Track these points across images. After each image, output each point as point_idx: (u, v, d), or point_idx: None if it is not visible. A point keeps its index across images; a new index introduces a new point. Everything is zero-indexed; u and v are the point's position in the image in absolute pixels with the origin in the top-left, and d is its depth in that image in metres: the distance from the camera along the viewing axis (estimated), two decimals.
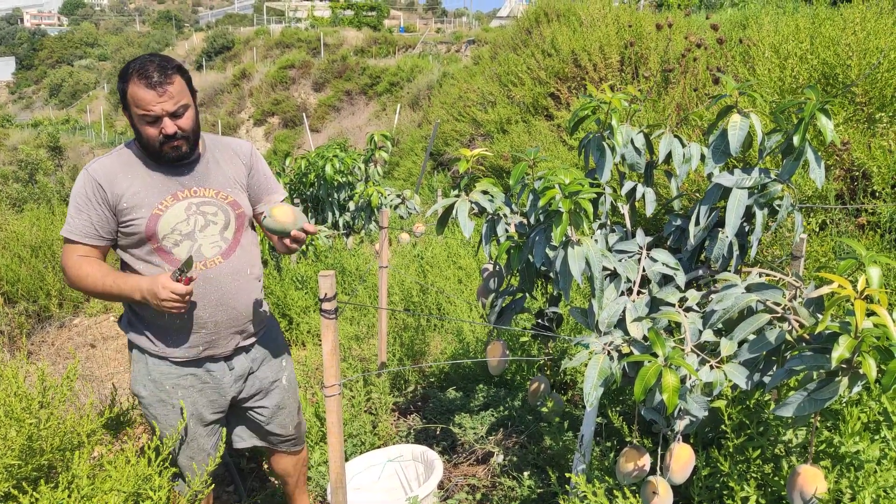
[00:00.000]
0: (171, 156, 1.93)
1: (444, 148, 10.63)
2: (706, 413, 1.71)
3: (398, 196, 5.44)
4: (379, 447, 2.84)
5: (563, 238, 1.83)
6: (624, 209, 2.37)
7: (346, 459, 2.60)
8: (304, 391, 3.21)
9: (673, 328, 2.00)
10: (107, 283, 1.89)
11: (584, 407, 2.86)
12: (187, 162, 2.00)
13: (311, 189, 5.23)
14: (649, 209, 2.33)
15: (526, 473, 2.34)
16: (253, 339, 2.13)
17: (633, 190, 2.34)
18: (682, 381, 1.70)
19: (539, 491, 2.35)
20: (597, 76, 7.08)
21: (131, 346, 2.07)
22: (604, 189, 2.21)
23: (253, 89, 26.78)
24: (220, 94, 27.94)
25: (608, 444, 2.39)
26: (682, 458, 1.78)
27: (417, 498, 1.94)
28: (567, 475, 2.19)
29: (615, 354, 1.76)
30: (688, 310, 1.88)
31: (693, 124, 3.86)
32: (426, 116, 13.34)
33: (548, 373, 3.10)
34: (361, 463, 2.40)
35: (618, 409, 2.54)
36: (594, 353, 1.75)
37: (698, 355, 1.72)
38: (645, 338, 1.89)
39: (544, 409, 2.60)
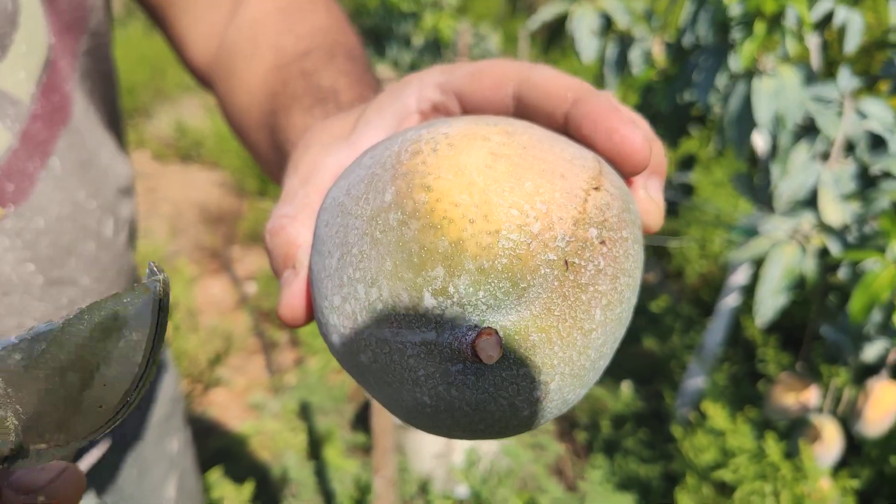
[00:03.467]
0: None
1: None
2: None
3: (474, 35, 4.69)
4: None
5: (750, 64, 1.19)
6: (810, 42, 1.68)
7: None
8: None
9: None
10: None
11: (694, 304, 2.30)
12: None
13: (371, 19, 4.53)
14: (850, 44, 1.63)
15: (625, 385, 1.84)
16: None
17: (830, 15, 1.63)
18: None
19: (638, 406, 1.85)
20: None
21: None
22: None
23: None
24: None
25: (726, 352, 1.85)
26: (885, 404, 1.22)
27: None
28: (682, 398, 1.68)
29: (811, 248, 1.17)
30: None
31: None
32: None
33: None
34: None
35: (749, 313, 1.97)
36: (778, 243, 1.16)
37: None
38: (847, 226, 1.28)
39: (653, 307, 2.06)
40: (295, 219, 0.29)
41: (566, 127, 0.27)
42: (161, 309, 0.22)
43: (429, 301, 0.22)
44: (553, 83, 0.27)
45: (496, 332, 0.21)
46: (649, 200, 0.28)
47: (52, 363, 0.21)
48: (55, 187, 0.47)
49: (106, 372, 0.22)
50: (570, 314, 0.23)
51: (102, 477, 0.63)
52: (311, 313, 0.28)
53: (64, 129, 0.49)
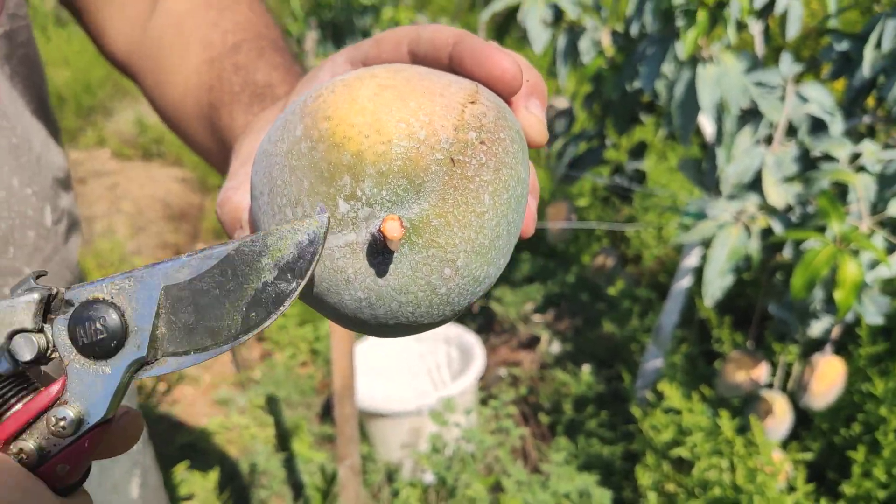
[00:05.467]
0: None
1: None
2: (879, 321, 1.18)
3: None
4: None
5: (694, 51, 1.22)
6: (754, 29, 1.72)
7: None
8: None
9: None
10: None
11: (652, 288, 2.35)
12: None
13: (330, 13, 4.50)
14: (791, 31, 1.68)
15: (586, 368, 1.87)
16: None
17: (772, 3, 1.68)
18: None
19: (599, 389, 1.89)
20: None
21: None
22: None
23: None
24: None
25: (682, 333, 1.90)
26: (830, 377, 1.27)
27: (452, 399, 1.50)
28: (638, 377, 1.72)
29: (755, 229, 1.21)
30: (859, 169, 1.30)
31: None
32: None
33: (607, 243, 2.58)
34: (378, 339, 1.96)
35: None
36: (724, 225, 1.20)
37: (882, 235, 1.16)
38: (790, 207, 1.33)
39: (611, 291, 2.10)
40: (238, 189, 0.33)
41: (451, 66, 0.31)
42: (321, 245, 0.25)
43: (343, 206, 0.26)
44: (438, 34, 0.31)
45: (398, 217, 0.25)
46: (530, 116, 0.31)
47: (217, 277, 0.25)
48: None
49: (268, 289, 0.25)
50: (462, 201, 0.27)
51: None
52: None
53: None
